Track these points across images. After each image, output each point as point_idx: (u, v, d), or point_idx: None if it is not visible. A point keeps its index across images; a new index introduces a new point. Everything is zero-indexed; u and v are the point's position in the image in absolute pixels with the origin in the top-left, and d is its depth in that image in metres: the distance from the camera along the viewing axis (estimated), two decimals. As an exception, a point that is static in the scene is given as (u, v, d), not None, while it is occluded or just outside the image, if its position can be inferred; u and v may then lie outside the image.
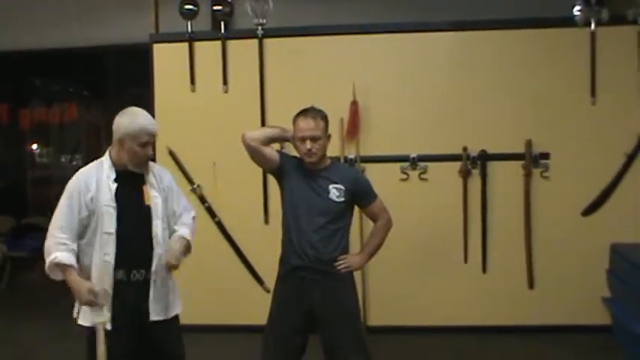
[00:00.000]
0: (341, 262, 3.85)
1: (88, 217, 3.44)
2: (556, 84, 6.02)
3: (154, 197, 3.58)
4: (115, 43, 7.82)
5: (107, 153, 3.59)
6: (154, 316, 3.59)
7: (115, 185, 3.48)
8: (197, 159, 6.21)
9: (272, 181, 4.24)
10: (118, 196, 3.48)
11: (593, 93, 5.96)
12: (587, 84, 5.97)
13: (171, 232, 3.73)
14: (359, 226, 5.65)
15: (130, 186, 3.53)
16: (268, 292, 4.39)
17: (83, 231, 3.46)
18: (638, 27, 5.87)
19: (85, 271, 3.47)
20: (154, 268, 3.57)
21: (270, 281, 4.11)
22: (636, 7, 5.82)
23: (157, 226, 3.57)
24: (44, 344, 6.14)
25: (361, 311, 4.15)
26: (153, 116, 6.07)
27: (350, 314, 3.94)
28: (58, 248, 3.33)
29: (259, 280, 6.22)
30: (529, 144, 5.99)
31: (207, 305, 5.94)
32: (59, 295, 8.03)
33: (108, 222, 3.43)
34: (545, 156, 6.03)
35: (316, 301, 3.82)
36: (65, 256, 3.30)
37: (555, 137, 6.03)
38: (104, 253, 3.43)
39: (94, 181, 3.46)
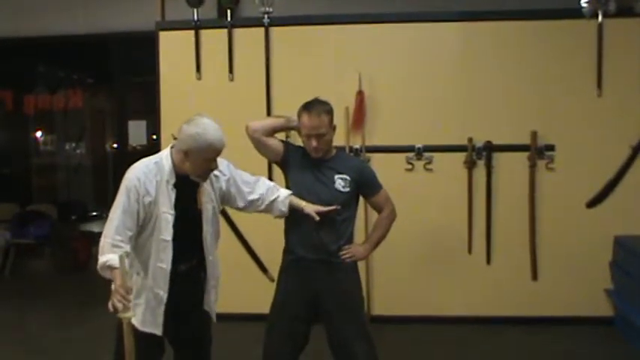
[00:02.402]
0: (345, 251, 3.86)
1: (145, 220, 3.36)
2: (562, 76, 6.01)
3: (205, 202, 3.53)
4: (121, 30, 7.79)
5: (169, 152, 3.46)
6: (214, 316, 3.68)
7: (174, 192, 3.40)
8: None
9: (277, 170, 4.24)
10: (176, 202, 3.40)
11: (599, 85, 5.95)
12: (593, 76, 5.95)
13: (261, 201, 3.77)
14: (364, 216, 5.65)
15: (187, 191, 3.45)
16: (272, 280, 4.39)
17: (138, 232, 3.38)
18: (646, 19, 5.87)
19: (138, 269, 3.44)
20: (208, 272, 3.59)
21: (275, 270, 4.11)
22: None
23: (207, 232, 3.54)
24: (47, 331, 6.17)
25: (365, 301, 4.15)
26: (159, 104, 6.23)
27: (354, 304, 3.95)
28: (112, 250, 3.22)
29: (263, 268, 6.24)
30: (534, 135, 5.99)
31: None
32: (62, 282, 8.15)
33: (165, 229, 3.38)
34: (551, 148, 6.03)
35: (320, 291, 3.83)
36: (117, 260, 3.19)
37: (561, 129, 6.02)
38: (160, 259, 3.39)
39: (154, 185, 3.35)
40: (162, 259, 3.39)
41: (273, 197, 3.78)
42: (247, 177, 3.79)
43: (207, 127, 3.31)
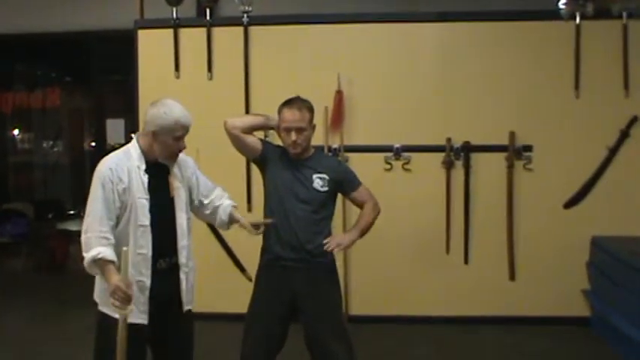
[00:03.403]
0: (328, 243, 3.79)
1: (120, 209, 3.33)
2: (540, 77, 6.05)
3: (177, 189, 3.53)
4: (100, 28, 7.76)
5: (135, 141, 3.49)
6: (187, 305, 3.58)
7: (146, 176, 3.39)
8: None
9: (255, 169, 4.22)
10: (149, 187, 3.39)
11: (577, 86, 5.99)
12: (571, 77, 5.99)
13: (210, 205, 3.77)
14: (342, 215, 5.66)
15: (158, 177, 3.46)
16: (250, 280, 4.37)
17: (116, 223, 3.34)
18: (623, 21, 5.91)
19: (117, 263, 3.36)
20: (184, 259, 3.53)
21: (252, 269, 4.10)
22: (621, 1, 5.85)
23: (181, 218, 3.53)
24: (25, 330, 6.12)
25: (343, 300, 4.15)
26: (137, 103, 6.19)
27: (332, 303, 3.94)
28: (100, 242, 3.20)
29: (241, 267, 6.22)
30: (512, 136, 6.01)
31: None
32: (39, 281, 8.08)
33: (142, 214, 3.35)
34: (529, 148, 6.06)
35: (298, 290, 3.82)
36: (108, 252, 3.17)
37: (539, 130, 6.05)
38: (139, 245, 3.35)
39: (126, 172, 3.35)
40: (142, 245, 3.36)
41: (218, 203, 3.78)
42: (207, 181, 3.81)
43: (172, 106, 3.41)
